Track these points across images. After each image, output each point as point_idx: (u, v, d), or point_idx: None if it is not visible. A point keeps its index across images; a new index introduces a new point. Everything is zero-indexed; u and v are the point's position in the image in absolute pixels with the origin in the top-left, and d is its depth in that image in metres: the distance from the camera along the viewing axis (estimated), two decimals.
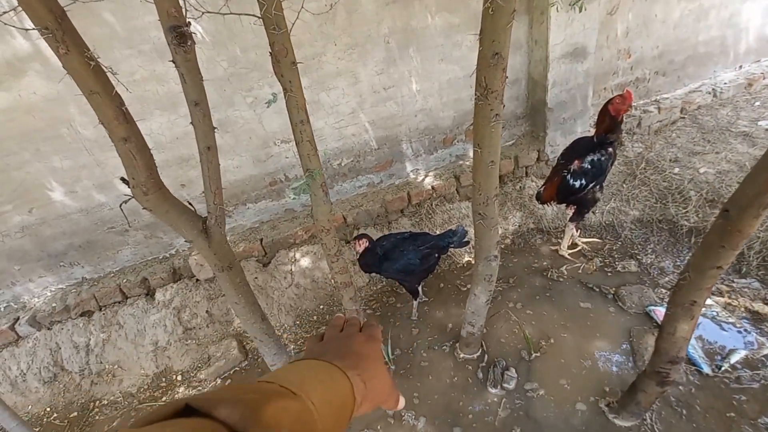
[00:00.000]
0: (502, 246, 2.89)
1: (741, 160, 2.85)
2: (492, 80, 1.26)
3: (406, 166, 3.08)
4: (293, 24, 1.41)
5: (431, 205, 3.01)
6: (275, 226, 2.81)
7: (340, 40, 2.45)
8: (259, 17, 1.31)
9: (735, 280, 2.21)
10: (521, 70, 3.04)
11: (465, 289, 2.57)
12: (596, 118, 2.30)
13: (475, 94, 1.33)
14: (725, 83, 3.63)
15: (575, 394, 1.87)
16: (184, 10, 1.13)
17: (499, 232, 2.93)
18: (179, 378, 2.41)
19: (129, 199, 1.31)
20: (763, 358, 1.84)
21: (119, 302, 2.64)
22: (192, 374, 2.41)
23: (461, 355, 2.14)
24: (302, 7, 1.47)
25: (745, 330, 1.97)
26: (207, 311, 2.57)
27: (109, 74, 1.09)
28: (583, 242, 2.73)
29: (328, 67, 2.51)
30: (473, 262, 1.83)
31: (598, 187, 2.37)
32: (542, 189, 2.55)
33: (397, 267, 2.20)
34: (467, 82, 2.85)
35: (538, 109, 3.11)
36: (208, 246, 1.43)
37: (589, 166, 2.28)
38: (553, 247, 2.77)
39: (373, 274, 2.57)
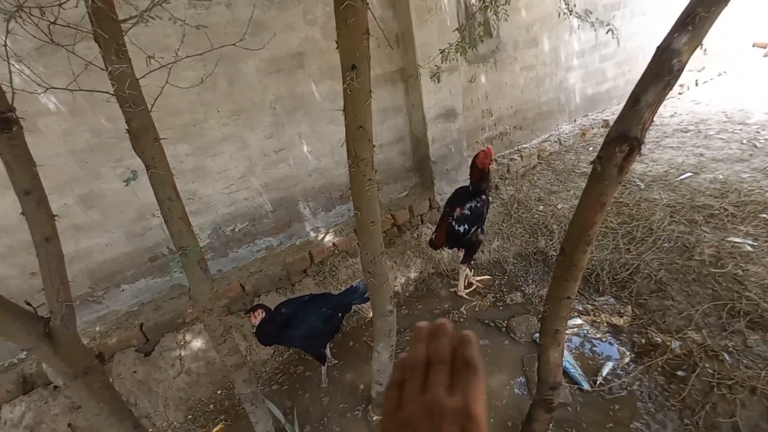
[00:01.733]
0: (407, 294, 2.97)
1: None
2: (360, 149, 1.35)
3: (305, 225, 3.07)
4: (155, 100, 1.36)
5: (334, 262, 3.00)
6: (159, 306, 2.50)
7: (223, 107, 2.43)
8: (112, 94, 1.24)
9: (596, 298, 2.58)
10: (405, 129, 3.34)
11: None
12: (469, 170, 2.61)
13: (348, 162, 1.41)
14: (566, 134, 4.46)
15: None
16: (10, 94, 1.02)
17: (402, 280, 3.03)
18: None
19: None
20: (626, 366, 2.13)
21: None
22: None
23: (374, 418, 2.07)
24: (167, 82, 1.43)
25: (610, 342, 2.27)
26: (69, 425, 2.09)
27: None
28: (476, 281, 2.96)
29: (212, 133, 2.45)
30: None
31: (479, 229, 2.63)
32: (434, 236, 2.73)
33: (300, 334, 2.10)
34: None
35: (423, 163, 3.41)
36: (52, 352, 1.19)
37: (469, 212, 2.53)
38: (451, 289, 2.94)
39: (276, 345, 2.41)
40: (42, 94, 1.89)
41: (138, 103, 1.20)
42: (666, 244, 2.67)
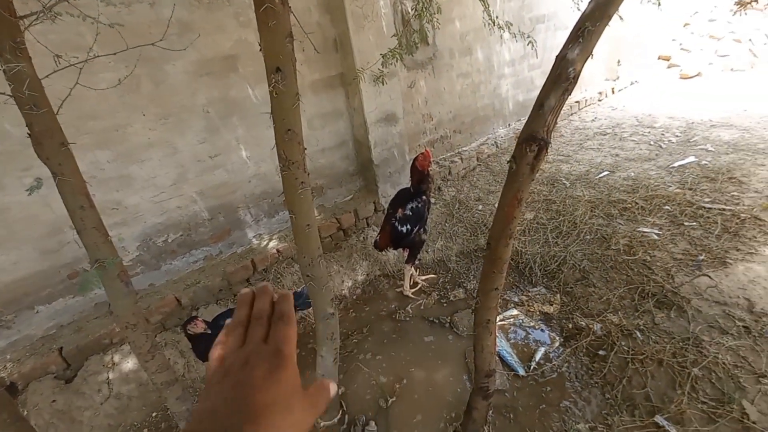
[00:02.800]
0: (354, 297, 2.98)
1: None
2: (290, 153, 1.35)
3: (247, 232, 2.97)
4: (62, 102, 1.26)
5: (279, 268, 2.93)
6: (81, 327, 2.28)
7: (148, 111, 2.30)
8: (9, 96, 1.13)
9: (530, 289, 2.76)
10: (347, 133, 3.36)
11: None
12: (410, 172, 2.68)
13: (279, 166, 1.39)
14: (502, 137, 4.74)
15: (431, 429, 1.97)
16: None
17: (349, 283, 3.03)
18: None
19: None
20: (555, 350, 2.29)
21: None
22: None
23: (321, 424, 2.04)
24: (77, 82, 1.33)
25: (542, 329, 2.44)
26: None
27: None
28: (422, 280, 3.04)
29: (136, 139, 2.30)
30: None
31: (422, 229, 2.71)
32: (378, 237, 2.77)
33: None
34: None
35: (366, 166, 3.45)
36: None
37: (410, 213, 2.60)
38: (398, 289, 2.99)
39: None
40: None
41: (40, 105, 1.11)
42: (588, 236, 2.93)
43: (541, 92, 1.18)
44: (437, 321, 2.64)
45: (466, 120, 4.39)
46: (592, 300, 2.49)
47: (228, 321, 0.45)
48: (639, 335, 2.17)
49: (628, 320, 2.26)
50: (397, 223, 2.63)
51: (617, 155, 4.22)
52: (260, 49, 1.20)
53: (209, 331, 1.94)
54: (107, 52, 1.56)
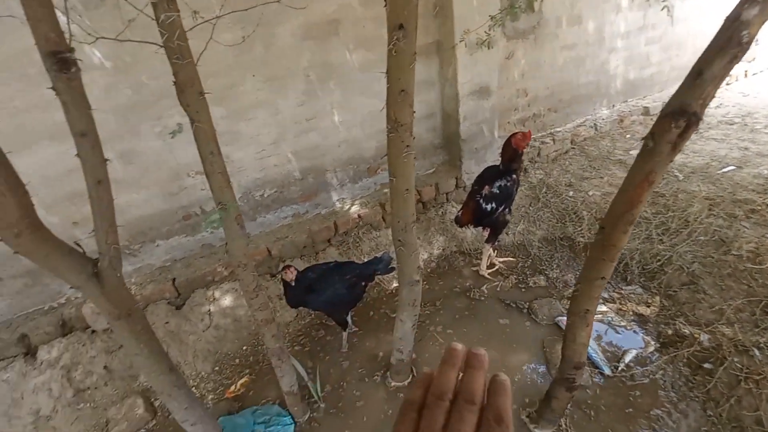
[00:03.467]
0: (428, 270, 2.98)
1: (619, 183, 3.30)
2: (401, 114, 1.34)
3: (332, 195, 3.09)
4: (200, 54, 1.37)
5: (358, 233, 3.02)
6: (190, 263, 2.59)
7: (258, 72, 2.44)
8: (161, 45, 1.25)
9: (623, 287, 2.53)
10: (436, 105, 3.28)
11: (394, 315, 2.57)
12: (502, 148, 2.55)
13: (387, 127, 1.40)
14: (603, 119, 4.28)
15: None
16: (68, 35, 1.04)
17: (425, 256, 3.04)
18: None
19: None
20: (649, 355, 2.10)
21: None
22: None
23: (392, 384, 2.12)
24: (210, 37, 1.43)
25: (635, 331, 2.24)
26: (105, 367, 2.24)
27: None
28: (499, 261, 2.94)
29: (246, 97, 2.46)
30: None
31: (507, 210, 2.59)
32: (460, 213, 2.71)
33: (323, 298, 2.15)
34: None
35: (453, 140, 3.36)
36: (100, 292, 1.26)
37: (498, 191, 2.49)
38: (474, 268, 2.93)
39: (301, 308, 2.48)
40: (89, 48, 1.93)
41: (185, 55, 1.22)
42: (702, 237, 2.58)
43: (701, 58, 1.02)
44: (514, 305, 2.55)
45: (564, 97, 4.03)
46: (700, 308, 2.21)
47: (425, 371, 0.38)
48: (757, 353, 1.89)
49: (744, 335, 1.98)
50: (482, 201, 2.54)
51: (746, 149, 3.60)
52: (385, 5, 1.18)
53: (293, 284, 2.08)
54: (229, 12, 1.65)
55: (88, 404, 2.17)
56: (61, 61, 0.98)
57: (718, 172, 3.24)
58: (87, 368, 2.24)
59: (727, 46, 0.98)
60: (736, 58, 1.00)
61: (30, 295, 2.34)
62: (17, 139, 2.00)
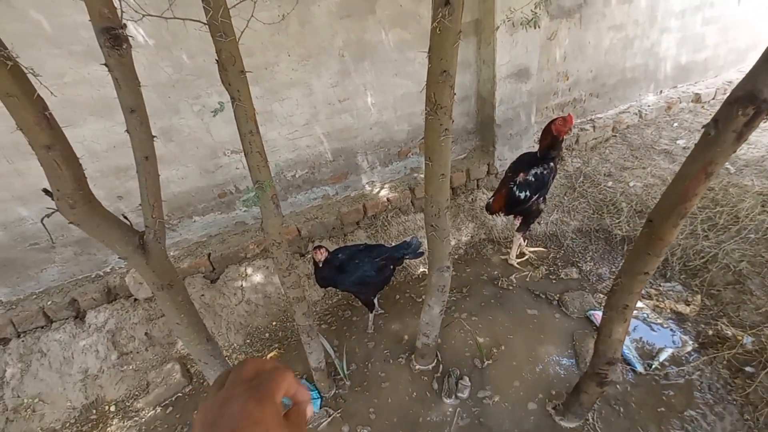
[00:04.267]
0: (456, 256, 2.96)
1: (663, 175, 3.16)
2: (441, 96, 1.30)
3: (362, 178, 3.09)
4: (242, 32, 1.38)
5: (387, 217, 3.02)
6: (224, 239, 2.68)
7: (293, 51, 2.43)
8: (205, 23, 1.26)
9: (661, 284, 2.42)
10: (471, 88, 3.18)
11: (420, 300, 2.59)
12: (540, 134, 2.45)
13: (426, 109, 1.36)
14: (649, 106, 4.04)
15: (526, 398, 1.93)
16: (120, 12, 1.07)
17: (453, 243, 3.01)
18: (112, 408, 2.19)
19: (53, 212, 1.19)
20: (686, 355, 2.02)
21: (42, 327, 2.36)
22: (128, 404, 2.20)
23: (417, 367, 2.14)
24: (252, 15, 1.43)
25: (671, 329, 2.15)
26: (146, 333, 2.38)
27: (30, 76, 1.00)
28: (530, 251, 2.87)
29: (280, 77, 2.47)
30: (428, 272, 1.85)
31: (541, 198, 2.51)
32: (491, 200, 2.65)
33: (352, 279, 2.17)
34: (420, 97, 2.92)
35: (487, 125, 3.26)
36: (145, 263, 1.32)
37: (533, 179, 2.41)
38: (503, 257, 2.88)
39: (329, 288, 2.52)
40: (134, 25, 1.98)
41: (228, 32, 1.22)
42: (752, 235, 2.42)
43: None
44: (543, 296, 2.50)
45: (609, 82, 3.81)
46: (745, 309, 2.09)
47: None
48: None
49: None
50: (515, 188, 2.47)
51: None
52: None
53: (320, 265, 2.12)
54: None
55: (131, 367, 2.32)
56: (113, 37, 1.01)
57: None
58: (130, 333, 2.39)
59: None
60: None
61: (79, 263, 2.49)
62: (66, 114, 2.09)
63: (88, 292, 2.41)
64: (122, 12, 1.07)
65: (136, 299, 2.44)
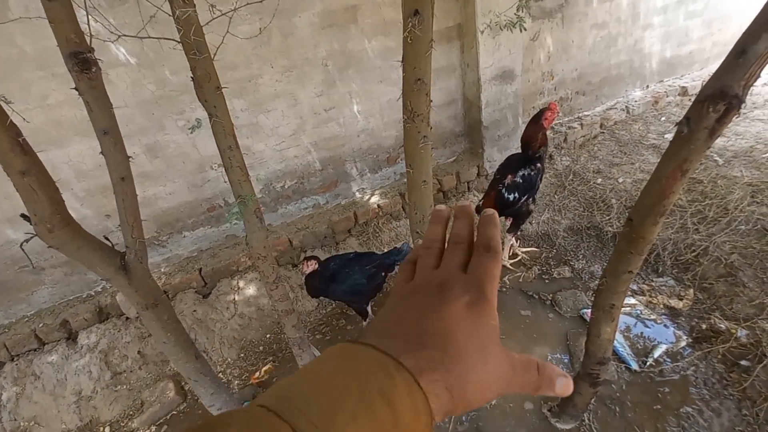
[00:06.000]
0: None
1: (652, 170, 3.14)
2: (417, 104, 1.31)
3: (352, 185, 3.09)
4: (217, 48, 1.38)
5: (378, 223, 3.02)
6: (216, 253, 2.67)
7: (276, 63, 2.44)
8: (178, 42, 1.26)
9: (654, 279, 2.42)
10: (457, 92, 3.19)
11: None
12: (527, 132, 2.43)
13: (403, 118, 1.37)
14: (636, 101, 4.06)
15: (522, 400, 1.92)
16: (89, 36, 1.07)
17: None
18: (107, 430, 2.17)
19: (32, 237, 1.18)
20: (681, 350, 2.01)
21: (35, 350, 2.35)
22: (122, 424, 2.18)
23: None
24: (227, 31, 1.44)
25: (665, 325, 2.15)
26: (139, 352, 2.36)
27: (2, 103, 1.00)
28: (522, 252, 2.87)
29: (265, 89, 2.48)
30: None
31: (530, 199, 2.52)
32: (481, 203, 2.66)
33: (344, 288, 2.17)
34: None
35: (474, 128, 3.27)
36: (128, 283, 1.32)
37: (521, 181, 2.41)
38: None
39: (322, 298, 2.52)
40: (113, 44, 1.98)
41: (202, 50, 1.22)
42: (742, 227, 2.42)
43: (745, 33, 0.92)
44: (537, 296, 2.50)
45: (594, 80, 3.83)
46: (738, 301, 2.09)
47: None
48: None
49: None
50: (504, 190, 2.47)
51: None
52: None
53: (317, 268, 2.12)
54: (245, 6, 1.65)
55: (125, 386, 2.30)
56: (82, 61, 1.01)
57: (764, 155, 3.02)
58: (122, 353, 2.37)
59: None
60: None
61: (69, 284, 2.48)
62: (52, 135, 2.09)
63: (79, 313, 2.39)
64: (91, 36, 1.08)
65: (127, 318, 2.42)
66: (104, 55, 2.02)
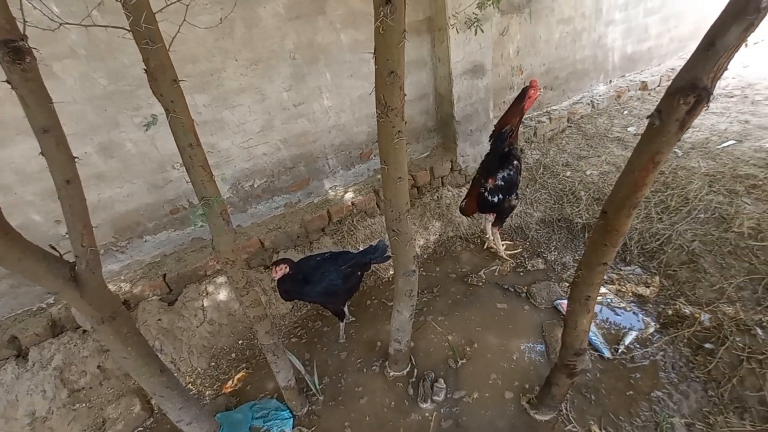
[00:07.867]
0: (425, 256, 2.94)
1: (617, 162, 3.27)
2: (390, 98, 1.26)
3: (324, 183, 3.01)
4: (173, 38, 1.27)
5: (353, 221, 2.96)
6: (181, 258, 2.53)
7: (240, 56, 2.32)
8: (128, 30, 1.15)
9: (622, 268, 2.50)
10: (428, 86, 3.17)
11: (391, 304, 2.54)
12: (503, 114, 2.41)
13: (377, 112, 1.32)
14: (600, 95, 4.18)
15: (501, 393, 1.93)
16: (23, 23, 0.95)
17: (421, 242, 2.99)
18: None
19: None
20: (650, 336, 2.08)
21: None
22: None
23: (391, 374, 2.10)
24: (184, 19, 1.33)
25: (634, 312, 2.22)
26: (99, 366, 2.20)
27: None
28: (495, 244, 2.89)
29: (229, 84, 2.35)
30: None
31: (513, 196, 2.52)
32: (464, 203, 2.65)
33: (319, 290, 2.10)
34: None
35: (447, 122, 3.26)
36: (80, 296, 1.20)
37: (502, 183, 2.43)
38: (493, 249, 2.88)
39: (296, 300, 2.44)
40: (57, 34, 1.81)
41: (155, 39, 1.12)
42: (702, 215, 2.54)
43: (713, 26, 0.93)
44: (512, 289, 2.52)
45: (561, 74, 3.91)
46: (700, 287, 2.19)
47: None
48: (760, 332, 1.87)
49: (746, 314, 1.96)
50: (487, 194, 2.48)
51: (747, 122, 3.53)
52: None
53: (289, 271, 2.04)
54: None
55: (84, 404, 2.14)
56: (13, 50, 0.89)
57: (718, 147, 3.18)
58: (80, 368, 2.20)
59: (744, 11, 0.90)
60: (752, 26, 0.92)
61: (17, 296, 2.28)
62: None
63: (29, 328, 2.20)
64: (25, 23, 0.95)
65: (84, 331, 2.25)
66: (47, 47, 1.85)
